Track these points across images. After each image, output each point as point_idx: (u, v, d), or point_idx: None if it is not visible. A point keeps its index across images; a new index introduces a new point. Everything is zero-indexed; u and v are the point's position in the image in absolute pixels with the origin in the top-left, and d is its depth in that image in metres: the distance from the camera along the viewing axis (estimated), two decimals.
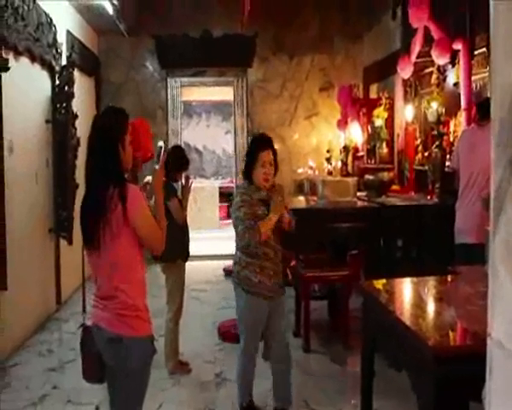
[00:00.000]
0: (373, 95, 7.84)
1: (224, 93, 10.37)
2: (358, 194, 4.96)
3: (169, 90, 8.33)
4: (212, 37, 8.11)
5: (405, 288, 2.55)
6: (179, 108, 8.51)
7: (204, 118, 13.68)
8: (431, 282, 2.54)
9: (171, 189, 4.00)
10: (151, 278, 7.11)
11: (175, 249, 3.98)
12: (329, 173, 7.72)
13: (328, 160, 7.93)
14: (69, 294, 6.13)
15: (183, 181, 4.10)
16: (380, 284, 2.48)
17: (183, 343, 4.30)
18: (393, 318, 1.99)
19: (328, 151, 7.91)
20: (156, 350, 4.35)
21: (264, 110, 8.41)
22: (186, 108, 11.86)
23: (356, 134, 7.00)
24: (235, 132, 8.62)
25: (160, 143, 2.53)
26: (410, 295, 2.46)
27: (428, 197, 4.65)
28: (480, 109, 3.89)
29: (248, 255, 3.24)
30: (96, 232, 2.20)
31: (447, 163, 4.47)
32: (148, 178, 2.52)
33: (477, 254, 3.45)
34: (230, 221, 12.59)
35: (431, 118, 4.33)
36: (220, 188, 12.11)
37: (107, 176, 2.24)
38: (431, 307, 2.22)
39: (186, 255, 4.10)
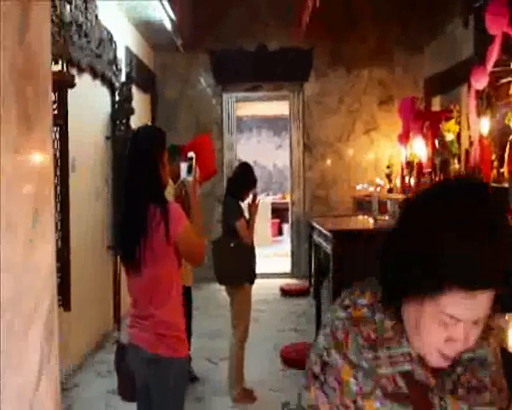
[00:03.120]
0: (435, 107, 7.52)
1: (277, 108, 10.22)
2: None
3: (224, 106, 8.24)
4: (268, 50, 7.98)
5: None
6: (234, 123, 8.41)
7: (255, 133, 13.58)
8: None
9: (239, 209, 3.84)
10: (208, 297, 7.03)
11: (242, 271, 3.81)
12: (390, 191, 7.40)
13: (388, 176, 7.64)
14: (125, 312, 6.04)
15: (250, 199, 3.92)
16: None
17: (245, 369, 4.08)
18: None
19: (388, 167, 7.62)
20: (193, 371, 4.15)
21: (321, 125, 8.19)
22: (237, 123, 11.79)
23: (419, 149, 6.68)
24: (290, 148, 8.43)
25: (191, 154, 2.46)
26: None
27: (510, 217, 4.31)
28: None
29: None
30: (137, 252, 2.16)
31: None
32: (184, 178, 2.52)
33: None
34: (282, 238, 12.23)
35: None
36: (272, 204, 11.95)
37: (147, 195, 2.19)
38: None
39: (253, 277, 3.91)
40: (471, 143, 5.61)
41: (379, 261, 1.08)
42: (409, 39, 7.97)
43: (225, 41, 7.90)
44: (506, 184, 4.73)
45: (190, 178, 2.44)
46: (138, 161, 2.24)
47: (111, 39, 5.44)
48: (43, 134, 0.74)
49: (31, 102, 0.72)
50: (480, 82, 4.98)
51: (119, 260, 5.64)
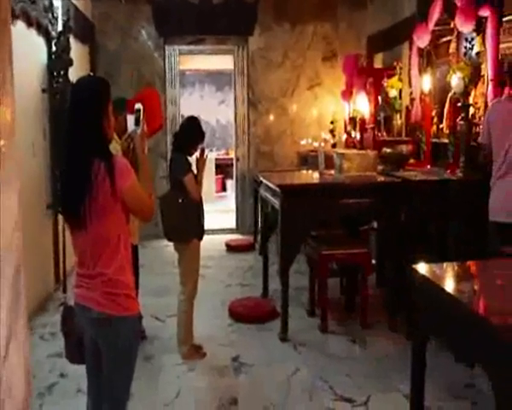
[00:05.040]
0: (377, 64, 7.60)
1: (221, 62, 10.02)
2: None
3: (167, 59, 8.00)
4: (212, 3, 7.75)
5: (471, 273, 2.34)
6: (177, 76, 8.19)
7: (198, 88, 13.32)
8: (496, 264, 2.34)
9: (187, 164, 3.76)
10: (152, 254, 6.96)
11: (190, 228, 3.77)
12: (333, 146, 7.49)
13: (332, 131, 7.70)
14: (68, 271, 5.89)
15: (198, 154, 3.85)
16: (437, 268, 2.27)
17: (194, 325, 4.07)
18: (468, 309, 1.80)
19: (331, 123, 7.67)
20: (144, 329, 4.13)
21: (266, 80, 8.12)
22: (180, 77, 11.50)
23: (362, 105, 6.75)
24: (235, 103, 8.33)
25: (138, 106, 2.37)
26: (481, 282, 2.23)
27: (448, 171, 4.46)
28: None
29: None
30: (82, 210, 2.07)
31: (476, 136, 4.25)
32: (132, 130, 2.42)
33: None
34: (226, 194, 12.36)
35: (457, 89, 4.09)
36: (216, 160, 11.84)
37: (90, 149, 2.08)
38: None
39: (202, 233, 3.88)
40: (412, 100, 5.72)
41: None
42: None
43: None
44: (445, 140, 4.89)
45: (138, 131, 2.35)
46: (80, 113, 2.11)
47: None
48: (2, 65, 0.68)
49: None
50: (423, 40, 5.05)
51: (59, 219, 5.48)
